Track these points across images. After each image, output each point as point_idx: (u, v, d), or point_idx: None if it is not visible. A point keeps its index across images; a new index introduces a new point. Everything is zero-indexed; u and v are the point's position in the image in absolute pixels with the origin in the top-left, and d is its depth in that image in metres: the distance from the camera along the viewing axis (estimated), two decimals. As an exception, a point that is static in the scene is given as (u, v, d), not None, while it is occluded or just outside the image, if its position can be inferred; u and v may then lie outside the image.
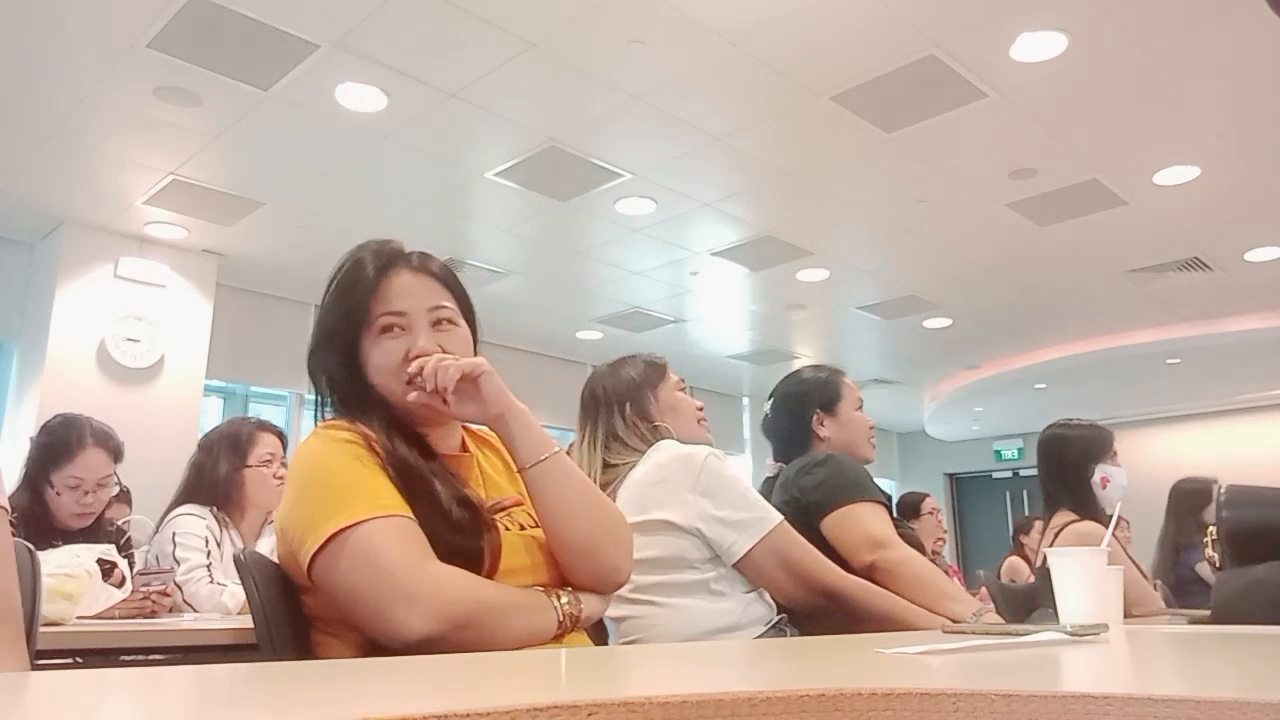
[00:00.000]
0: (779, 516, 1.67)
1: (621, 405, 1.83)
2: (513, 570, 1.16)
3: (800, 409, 2.23)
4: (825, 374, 2.28)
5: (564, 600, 1.16)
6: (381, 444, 1.16)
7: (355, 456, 1.14)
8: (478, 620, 1.06)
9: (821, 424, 2.20)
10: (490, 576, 1.13)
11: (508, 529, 1.21)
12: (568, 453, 1.86)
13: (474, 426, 1.33)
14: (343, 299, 1.24)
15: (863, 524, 1.91)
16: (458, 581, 1.08)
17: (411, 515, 1.10)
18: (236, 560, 1.26)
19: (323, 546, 1.07)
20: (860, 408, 2.25)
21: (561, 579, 1.21)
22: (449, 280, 1.30)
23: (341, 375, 1.24)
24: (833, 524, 1.94)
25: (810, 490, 2.00)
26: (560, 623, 1.14)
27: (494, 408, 1.19)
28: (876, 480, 2.09)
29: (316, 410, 1.29)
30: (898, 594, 1.76)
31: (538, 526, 1.23)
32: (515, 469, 1.23)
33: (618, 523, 1.26)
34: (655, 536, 1.63)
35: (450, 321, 1.25)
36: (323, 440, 1.18)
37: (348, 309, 1.23)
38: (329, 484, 1.13)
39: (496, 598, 1.11)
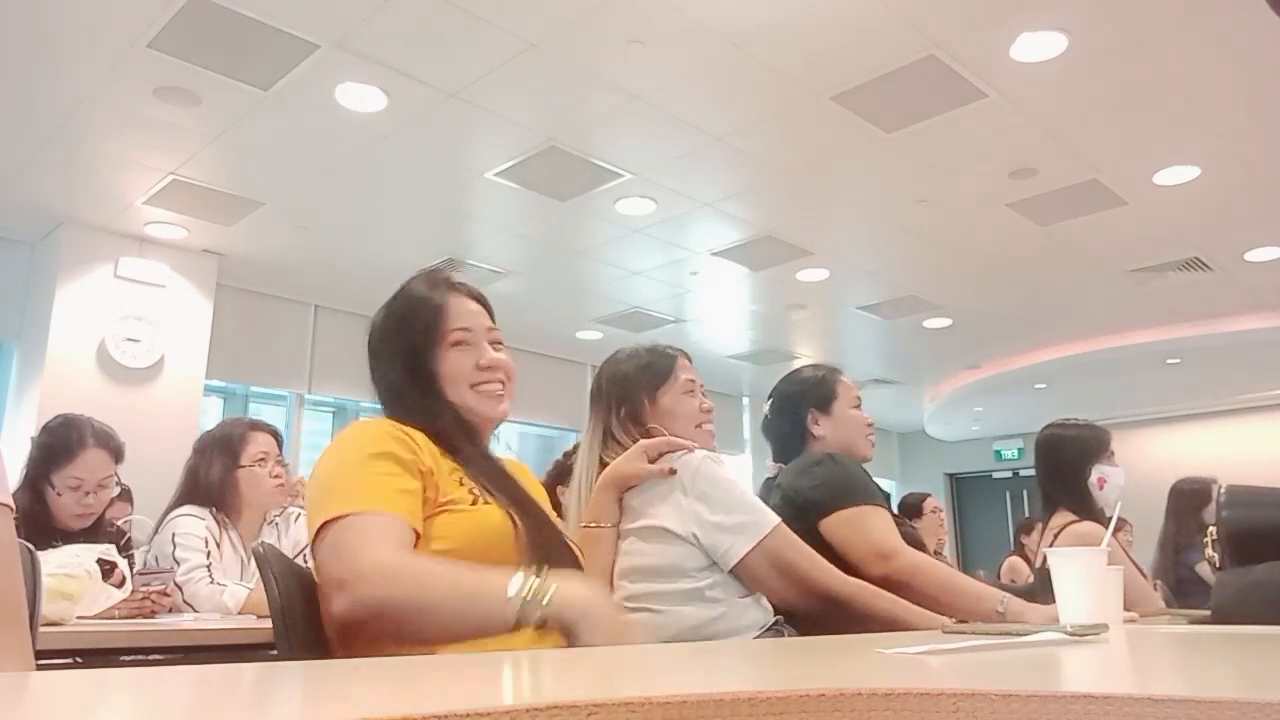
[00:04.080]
0: (776, 519, 1.63)
1: (618, 405, 1.80)
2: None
3: (796, 408, 2.20)
4: (821, 373, 2.25)
5: (529, 586, 1.10)
6: (454, 444, 1.33)
7: (378, 451, 1.23)
8: (400, 604, 1.09)
9: (816, 423, 2.17)
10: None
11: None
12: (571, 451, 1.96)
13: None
14: (413, 318, 1.40)
15: (867, 532, 1.87)
16: (387, 566, 1.10)
17: (397, 511, 1.17)
18: (256, 554, 1.29)
19: (316, 535, 1.17)
20: (857, 405, 2.21)
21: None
22: (489, 308, 1.49)
23: (410, 387, 1.38)
24: (834, 527, 1.90)
25: (808, 490, 1.97)
26: (519, 613, 1.09)
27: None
28: (877, 479, 2.07)
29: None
30: (918, 603, 1.71)
31: None
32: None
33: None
34: (653, 544, 1.61)
35: (501, 344, 1.45)
36: (364, 428, 1.30)
37: (421, 327, 1.39)
38: (335, 473, 1.24)
39: (429, 582, 1.10)
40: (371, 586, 1.09)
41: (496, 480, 1.33)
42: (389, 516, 1.16)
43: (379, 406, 1.43)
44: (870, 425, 2.21)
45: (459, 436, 1.35)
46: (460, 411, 1.38)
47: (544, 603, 1.09)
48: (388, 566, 1.10)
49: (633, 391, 1.82)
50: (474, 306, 1.45)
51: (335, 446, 1.29)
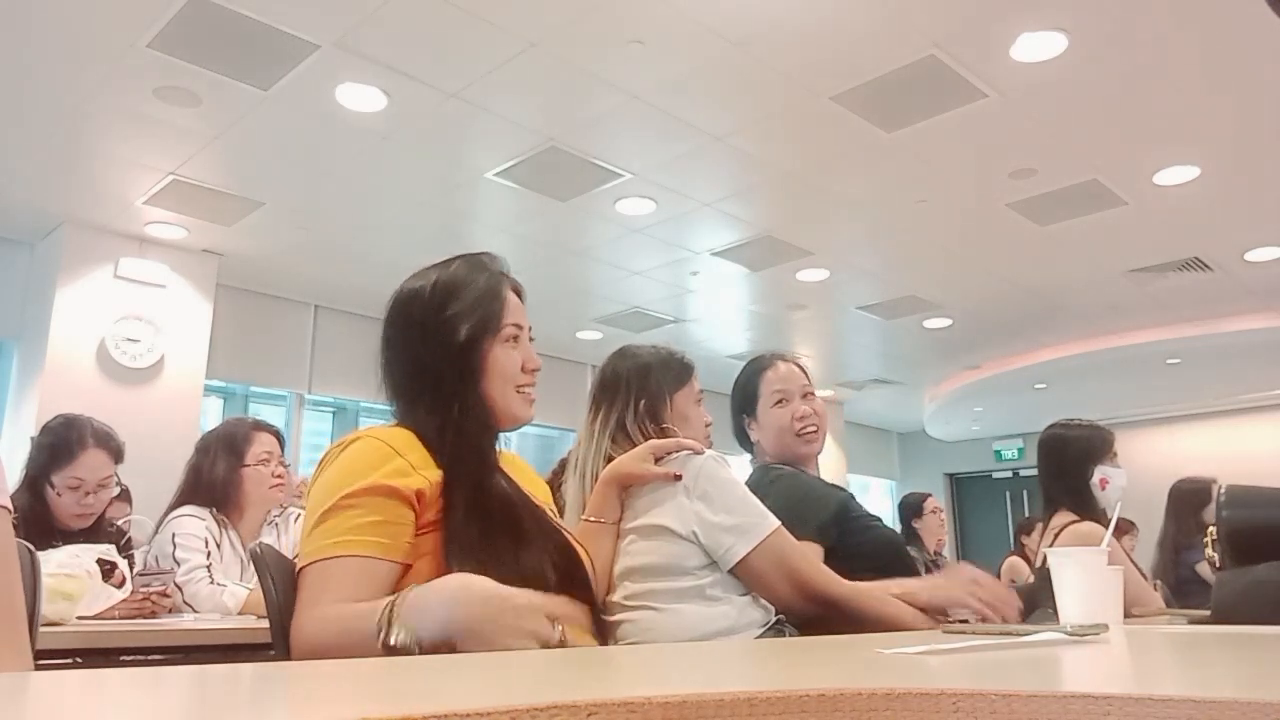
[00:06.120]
0: (776, 522, 1.61)
1: (637, 399, 1.75)
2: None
3: (735, 414, 2.14)
4: (745, 372, 2.14)
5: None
6: (461, 449, 1.26)
7: (357, 489, 1.17)
8: (334, 650, 1.06)
9: (750, 428, 2.11)
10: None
11: None
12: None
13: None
14: (473, 301, 1.32)
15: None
16: (320, 624, 1.11)
17: (363, 553, 1.15)
18: (253, 555, 1.29)
19: (298, 575, 1.19)
20: (780, 402, 2.06)
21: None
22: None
23: (452, 375, 1.30)
24: None
25: None
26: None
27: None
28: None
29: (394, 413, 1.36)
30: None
31: None
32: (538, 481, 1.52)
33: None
34: (654, 542, 1.60)
35: (531, 340, 1.42)
36: (349, 459, 1.22)
37: (478, 311, 1.32)
38: (311, 514, 1.20)
39: (343, 632, 1.09)
40: (305, 648, 1.10)
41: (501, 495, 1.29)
42: (349, 561, 1.14)
43: (381, 406, 1.37)
44: (801, 419, 2.05)
45: (472, 437, 1.28)
46: (493, 409, 1.33)
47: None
48: (313, 634, 1.11)
49: (656, 385, 1.77)
50: (519, 302, 1.40)
51: (321, 480, 1.23)
